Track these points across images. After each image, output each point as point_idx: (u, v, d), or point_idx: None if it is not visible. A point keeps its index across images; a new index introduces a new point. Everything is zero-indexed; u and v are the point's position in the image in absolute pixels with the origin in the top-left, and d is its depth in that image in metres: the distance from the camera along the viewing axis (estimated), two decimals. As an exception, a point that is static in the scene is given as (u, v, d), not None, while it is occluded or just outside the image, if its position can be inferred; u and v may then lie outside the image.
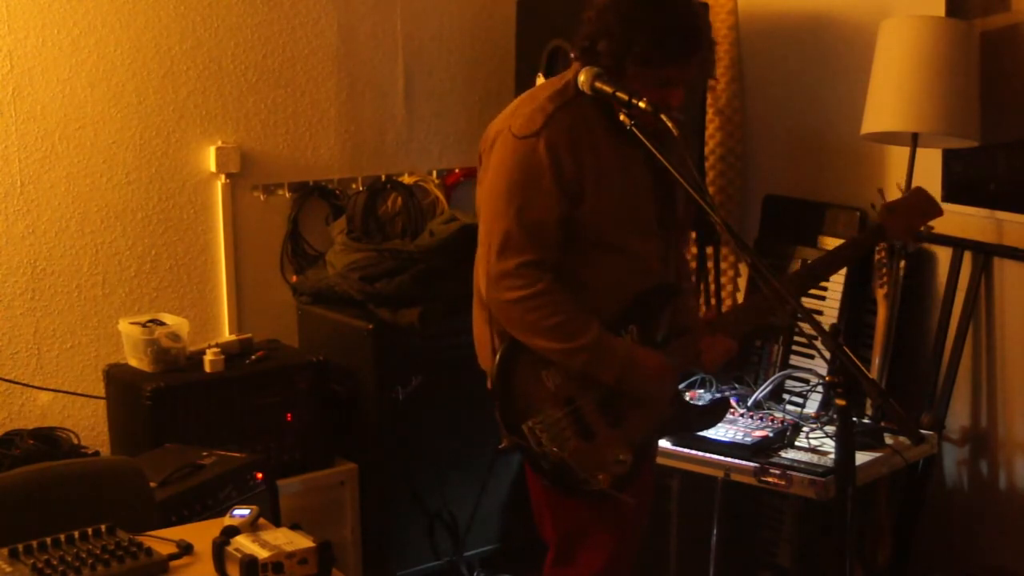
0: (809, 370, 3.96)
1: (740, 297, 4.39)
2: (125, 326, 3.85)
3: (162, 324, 3.84)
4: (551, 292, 2.84)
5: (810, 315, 2.61)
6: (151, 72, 4.06)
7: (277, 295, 4.37)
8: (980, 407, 3.95)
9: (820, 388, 3.87)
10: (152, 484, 2.97)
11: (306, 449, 3.95)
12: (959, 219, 3.87)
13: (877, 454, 3.61)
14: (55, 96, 3.91)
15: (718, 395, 3.81)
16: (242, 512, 2.48)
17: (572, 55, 2.96)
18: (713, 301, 4.16)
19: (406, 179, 4.52)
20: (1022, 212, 3.78)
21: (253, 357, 3.92)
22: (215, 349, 3.84)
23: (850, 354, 2.54)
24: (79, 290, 4.01)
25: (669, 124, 2.69)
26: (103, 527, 2.42)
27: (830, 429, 3.66)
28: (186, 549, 2.42)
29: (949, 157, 3.90)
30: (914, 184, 3.68)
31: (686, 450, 3.59)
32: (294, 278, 4.37)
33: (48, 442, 3.74)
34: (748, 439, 3.57)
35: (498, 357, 2.91)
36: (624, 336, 2.94)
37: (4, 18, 3.80)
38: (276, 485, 3.55)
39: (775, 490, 3.54)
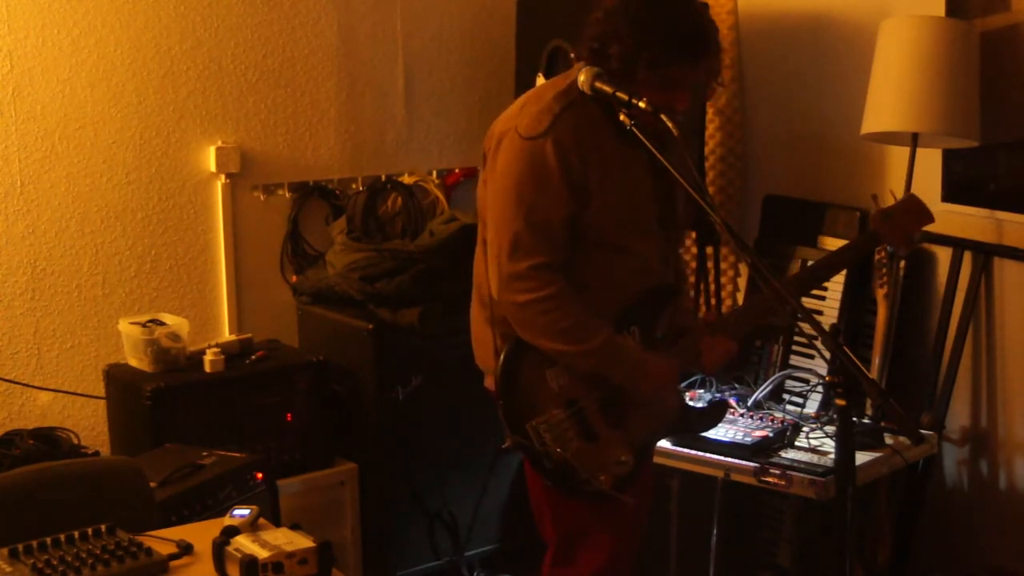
0: (809, 370, 3.96)
1: (740, 297, 4.39)
2: (125, 326, 3.85)
3: (162, 324, 3.84)
4: (563, 295, 2.84)
5: (810, 315, 2.61)
6: (151, 72, 4.06)
7: (277, 295, 4.36)
8: (980, 407, 3.94)
9: (820, 388, 3.87)
10: (152, 484, 2.97)
11: (306, 449, 3.95)
12: (959, 219, 3.87)
13: (877, 454, 3.61)
14: (55, 96, 3.91)
15: (717, 396, 3.81)
16: (242, 512, 2.48)
17: (572, 55, 2.96)
18: (713, 301, 4.16)
19: (406, 179, 4.52)
20: (1022, 212, 3.78)
21: (253, 357, 3.92)
22: (215, 349, 3.84)
23: (850, 354, 2.54)
24: (79, 290, 4.01)
25: (669, 124, 2.69)
26: (103, 527, 2.42)
27: (830, 429, 3.66)
28: (186, 549, 2.43)
29: (949, 157, 3.90)
30: (914, 184, 3.69)
31: (686, 450, 3.59)
32: (294, 278, 4.37)
33: (48, 442, 3.74)
34: (748, 439, 3.57)
35: (503, 357, 2.91)
36: (626, 336, 2.94)
37: (4, 18, 3.80)
38: (276, 485, 3.55)
39: (775, 490, 3.54)
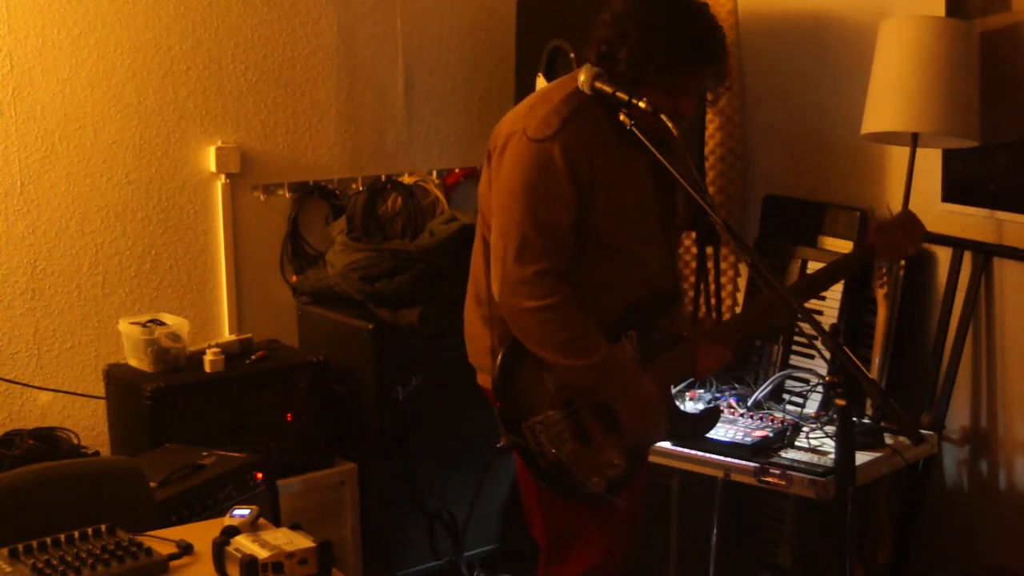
0: (809, 370, 3.96)
1: (740, 297, 4.39)
2: (125, 326, 3.85)
3: (162, 324, 3.84)
4: (566, 306, 2.83)
5: (810, 315, 2.61)
6: (151, 72, 4.06)
7: (277, 295, 4.37)
8: (980, 407, 3.94)
9: (820, 388, 3.87)
10: (152, 484, 2.97)
11: (306, 449, 3.95)
12: (959, 219, 3.87)
13: (877, 454, 3.61)
14: (55, 96, 3.91)
15: (710, 403, 3.81)
16: (242, 512, 2.48)
17: (572, 55, 2.95)
18: (713, 301, 4.16)
19: (406, 179, 4.53)
20: (1022, 212, 3.78)
21: (253, 357, 3.92)
22: (215, 349, 3.84)
23: (850, 354, 2.54)
24: (79, 290, 4.01)
25: (669, 124, 2.69)
26: (103, 527, 2.42)
27: (830, 429, 3.66)
28: (186, 549, 2.43)
29: (949, 157, 3.90)
30: (914, 184, 3.69)
31: (686, 450, 3.59)
32: (294, 278, 4.36)
33: (48, 442, 3.74)
34: (748, 439, 3.57)
35: (501, 356, 2.90)
36: (624, 342, 2.95)
37: (4, 18, 3.80)
38: (276, 485, 3.55)
39: (775, 490, 3.54)
